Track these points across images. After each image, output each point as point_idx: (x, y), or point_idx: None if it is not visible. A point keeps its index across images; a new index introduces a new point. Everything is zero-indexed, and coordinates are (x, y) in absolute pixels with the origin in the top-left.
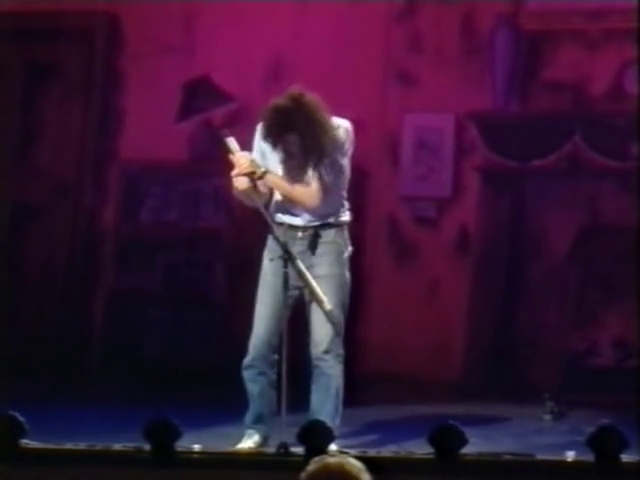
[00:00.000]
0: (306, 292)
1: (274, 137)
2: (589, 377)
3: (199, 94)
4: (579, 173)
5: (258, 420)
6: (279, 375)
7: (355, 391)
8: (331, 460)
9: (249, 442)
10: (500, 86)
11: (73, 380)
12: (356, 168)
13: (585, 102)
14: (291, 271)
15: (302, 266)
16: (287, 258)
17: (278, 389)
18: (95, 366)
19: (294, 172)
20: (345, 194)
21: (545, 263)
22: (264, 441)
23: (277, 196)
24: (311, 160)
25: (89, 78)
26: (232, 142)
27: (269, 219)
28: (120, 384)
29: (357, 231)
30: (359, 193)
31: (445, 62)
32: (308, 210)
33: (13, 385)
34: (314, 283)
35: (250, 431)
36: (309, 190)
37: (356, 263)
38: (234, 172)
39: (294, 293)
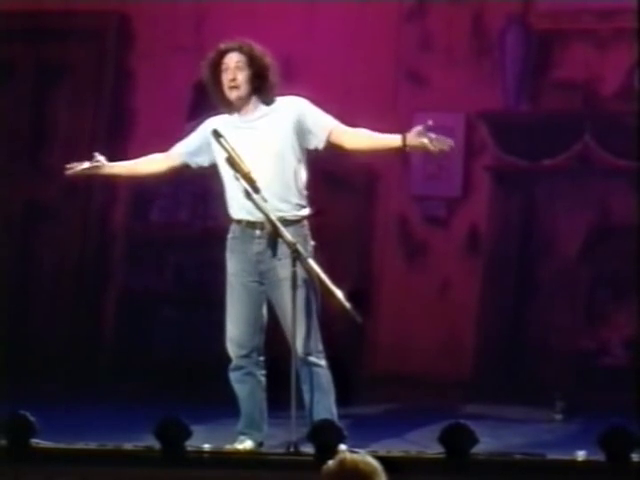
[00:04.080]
0: (276, 292)
1: (218, 57)
2: (600, 377)
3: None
4: (589, 172)
5: (250, 425)
6: (288, 374)
7: (365, 390)
8: (347, 459)
9: (239, 448)
10: (510, 85)
11: (84, 379)
12: (366, 168)
13: (595, 101)
14: (256, 268)
15: (314, 263)
16: (296, 257)
17: (287, 389)
18: (106, 365)
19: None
20: (303, 185)
21: (555, 262)
22: (256, 447)
23: (234, 192)
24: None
25: (100, 77)
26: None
27: (267, 214)
28: (131, 383)
29: (367, 231)
30: (369, 193)
31: (455, 62)
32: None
33: (24, 384)
34: (327, 280)
35: (242, 437)
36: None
37: (366, 263)
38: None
39: (264, 289)
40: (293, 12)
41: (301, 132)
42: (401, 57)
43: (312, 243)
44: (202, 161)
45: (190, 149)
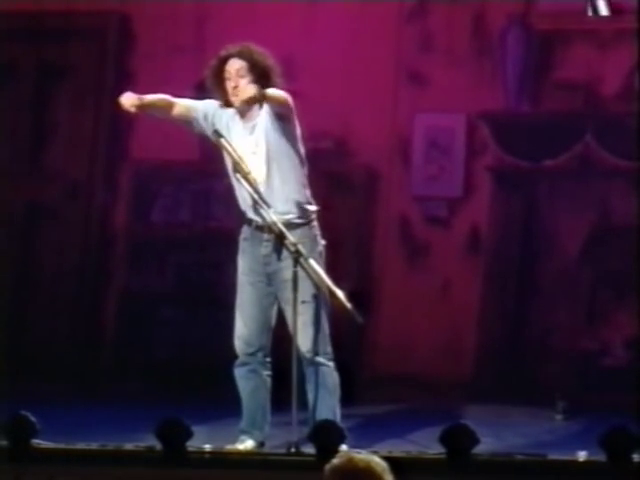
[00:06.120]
0: (283, 294)
1: (220, 65)
2: (600, 377)
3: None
4: (590, 173)
5: (252, 424)
6: (289, 374)
7: (367, 391)
8: (357, 457)
9: (240, 447)
10: (511, 86)
11: (85, 380)
12: (367, 168)
13: (596, 102)
14: (263, 270)
15: (315, 264)
16: (298, 257)
17: (288, 389)
18: (107, 366)
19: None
20: (307, 185)
21: (556, 263)
22: (258, 446)
23: (245, 193)
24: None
25: (100, 78)
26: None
27: (269, 216)
28: (132, 384)
29: (368, 231)
30: (370, 193)
31: (456, 62)
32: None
33: (25, 385)
34: (329, 280)
35: (243, 436)
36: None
37: (367, 263)
38: None
39: (273, 290)
40: (293, 12)
41: (281, 122)
42: (401, 57)
43: (323, 243)
44: (199, 129)
45: (195, 114)
